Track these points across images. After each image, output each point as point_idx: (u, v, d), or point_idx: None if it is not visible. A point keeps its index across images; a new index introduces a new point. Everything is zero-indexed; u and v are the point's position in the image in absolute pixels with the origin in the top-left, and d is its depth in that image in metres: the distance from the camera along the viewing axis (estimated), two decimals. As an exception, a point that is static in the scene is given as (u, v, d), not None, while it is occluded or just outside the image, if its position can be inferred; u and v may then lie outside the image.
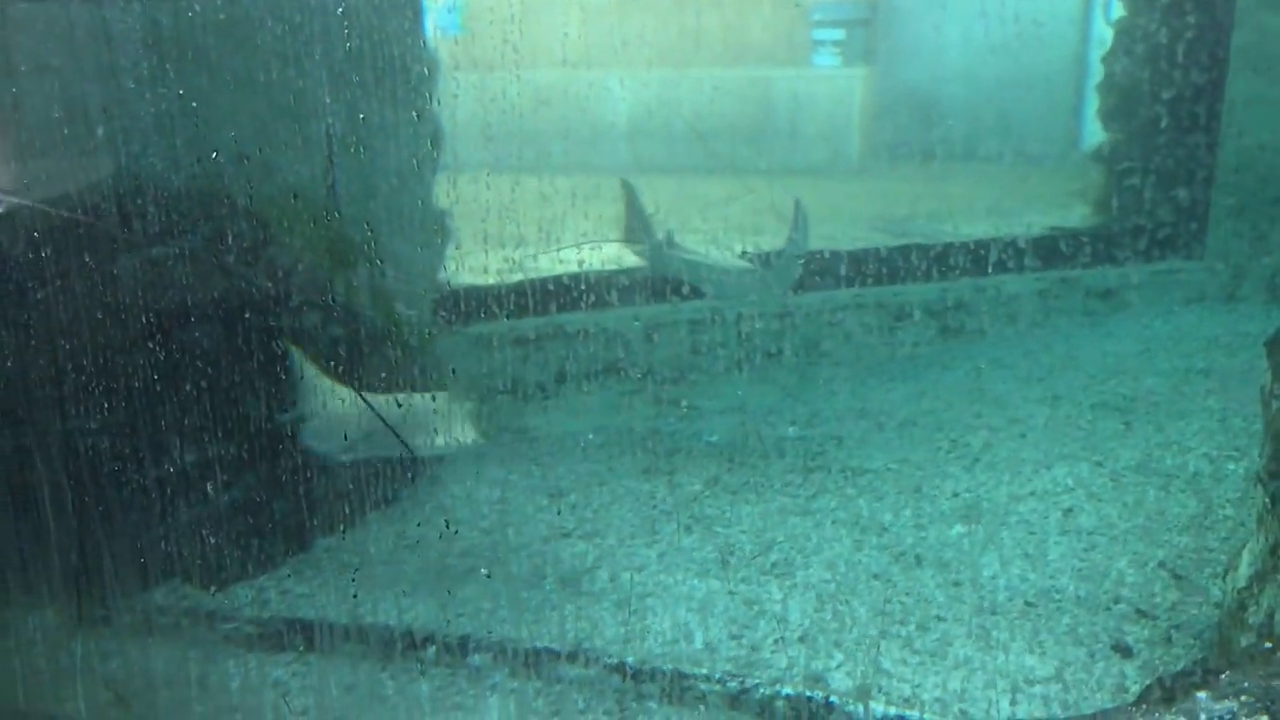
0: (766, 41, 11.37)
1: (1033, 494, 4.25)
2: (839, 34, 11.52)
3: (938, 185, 9.68)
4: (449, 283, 5.11)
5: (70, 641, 3.31)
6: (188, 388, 3.54)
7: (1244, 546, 3.25)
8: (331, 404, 3.71)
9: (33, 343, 3.22)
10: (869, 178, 10.58)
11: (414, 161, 4.92)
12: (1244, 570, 3.19)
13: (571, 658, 3.31)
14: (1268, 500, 3.05)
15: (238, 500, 3.78)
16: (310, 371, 3.73)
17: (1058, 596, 3.57)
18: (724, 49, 11.18)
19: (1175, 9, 6.46)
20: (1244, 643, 3.02)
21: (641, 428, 5.07)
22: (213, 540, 3.69)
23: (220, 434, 3.79)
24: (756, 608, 3.60)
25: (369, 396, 3.77)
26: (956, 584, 3.69)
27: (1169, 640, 3.34)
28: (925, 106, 11.02)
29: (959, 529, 4.04)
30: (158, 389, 3.44)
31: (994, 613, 3.52)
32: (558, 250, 5.55)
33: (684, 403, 5.32)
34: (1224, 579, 3.38)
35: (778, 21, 11.48)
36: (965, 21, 10.72)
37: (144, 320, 3.55)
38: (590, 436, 4.93)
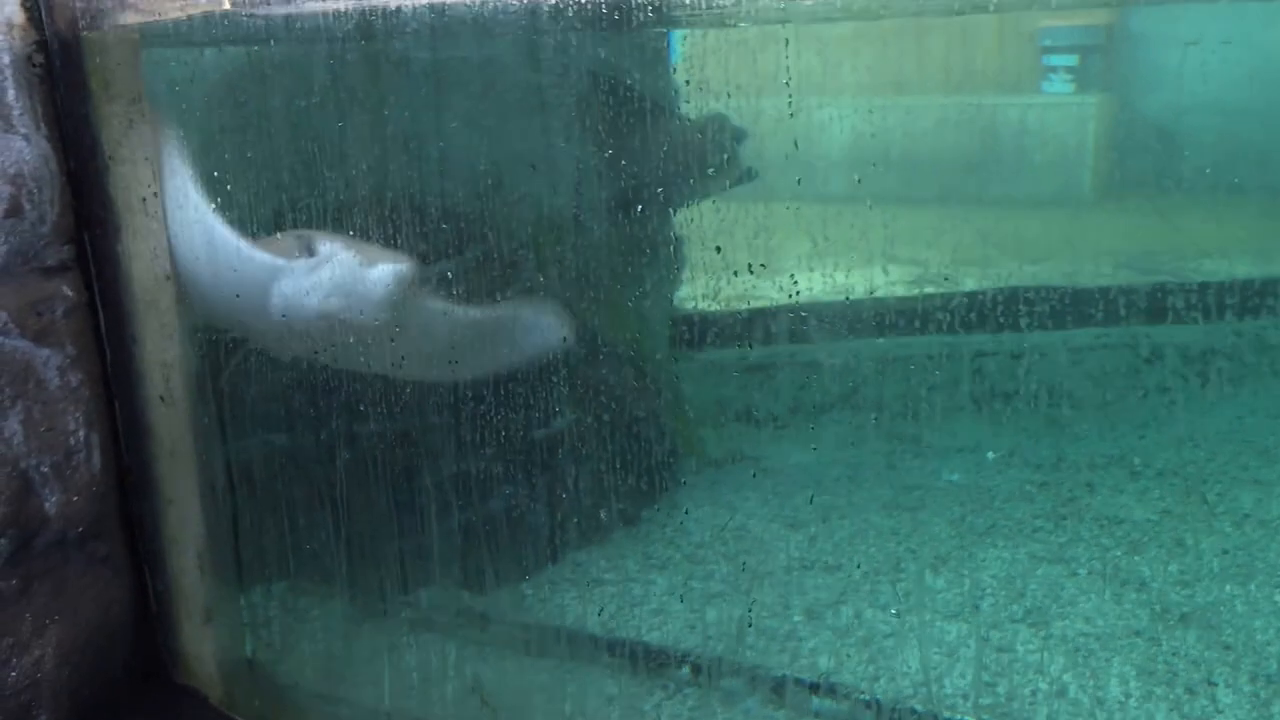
0: (993, 68, 11.07)
1: (1311, 557, 3.98)
2: (1072, 60, 11.08)
3: (1179, 219, 9.18)
4: (684, 308, 5.21)
5: (357, 631, 3.57)
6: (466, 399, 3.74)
7: None
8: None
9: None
10: (1104, 210, 10.12)
11: (656, 190, 5.05)
12: None
13: (822, 690, 3.31)
14: None
15: (498, 510, 3.97)
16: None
17: (1344, 669, 3.33)
18: (947, 76, 10.97)
19: None
20: None
21: (877, 462, 5.02)
22: (476, 546, 3.88)
23: (486, 446, 3.99)
24: (1009, 656, 3.51)
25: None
26: (1227, 648, 3.49)
27: None
28: (1165, 136, 10.49)
29: (1229, 589, 3.81)
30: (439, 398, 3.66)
31: (1271, 681, 3.31)
32: (791, 279, 5.57)
33: (918, 439, 5.23)
34: None
35: (1005, 47, 11.17)
36: (1208, 48, 10.16)
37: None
38: (828, 469, 4.92)
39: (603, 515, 4.25)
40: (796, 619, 3.74)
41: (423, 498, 3.75)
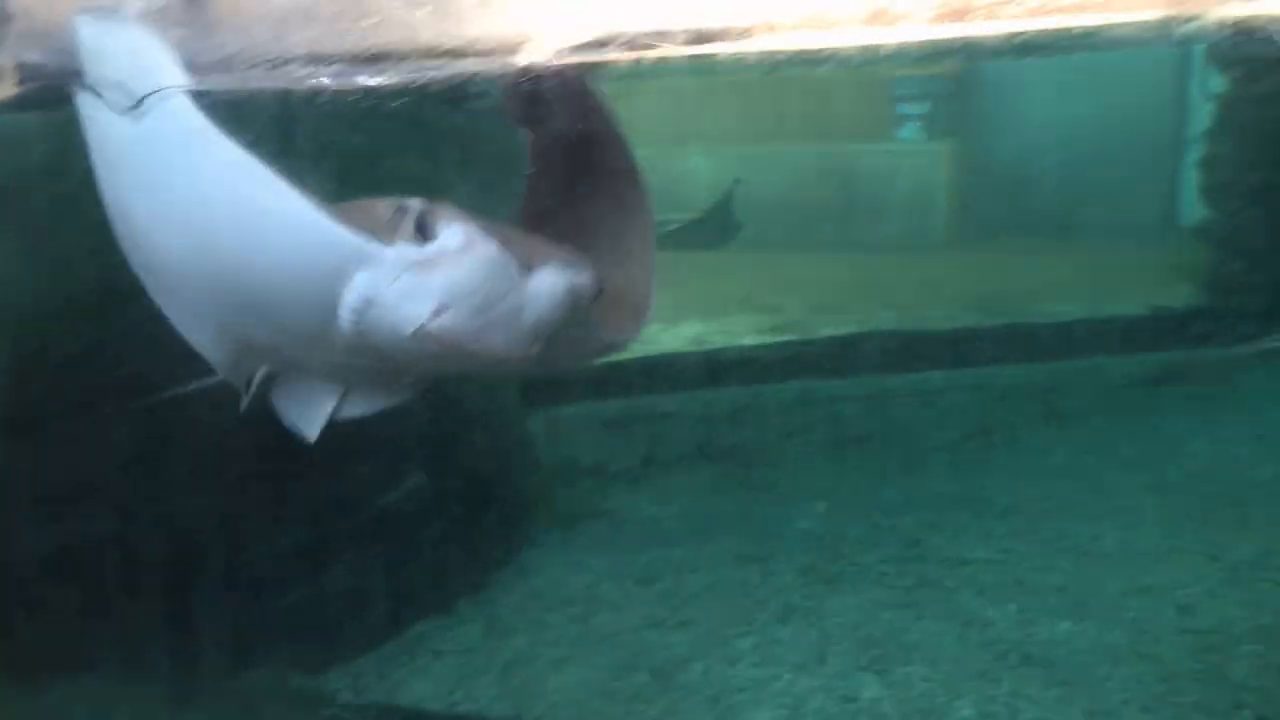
0: (849, 116, 11.41)
1: (1145, 590, 4.07)
2: (923, 108, 11.51)
3: (1029, 261, 9.52)
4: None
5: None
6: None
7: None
8: None
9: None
10: (956, 254, 10.45)
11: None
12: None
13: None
14: None
15: (334, 584, 3.80)
16: None
17: (1175, 701, 3.39)
18: (806, 124, 11.24)
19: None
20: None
21: (731, 512, 5.00)
22: (308, 623, 3.70)
23: (320, 514, 3.83)
24: (854, 705, 3.48)
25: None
26: (1065, 684, 3.53)
27: (1298, 752, 3.14)
28: (1014, 181, 10.92)
29: (1067, 625, 3.87)
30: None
31: (1109, 716, 3.35)
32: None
33: (773, 488, 5.23)
34: (1358, 688, 3.19)
35: (861, 96, 11.53)
36: (1054, 94, 10.64)
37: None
38: (681, 521, 4.88)
39: (447, 583, 4.12)
40: (643, 679, 3.66)
41: (247, 572, 3.56)
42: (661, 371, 5.72)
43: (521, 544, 4.56)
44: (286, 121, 2.97)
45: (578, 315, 1.93)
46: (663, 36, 2.26)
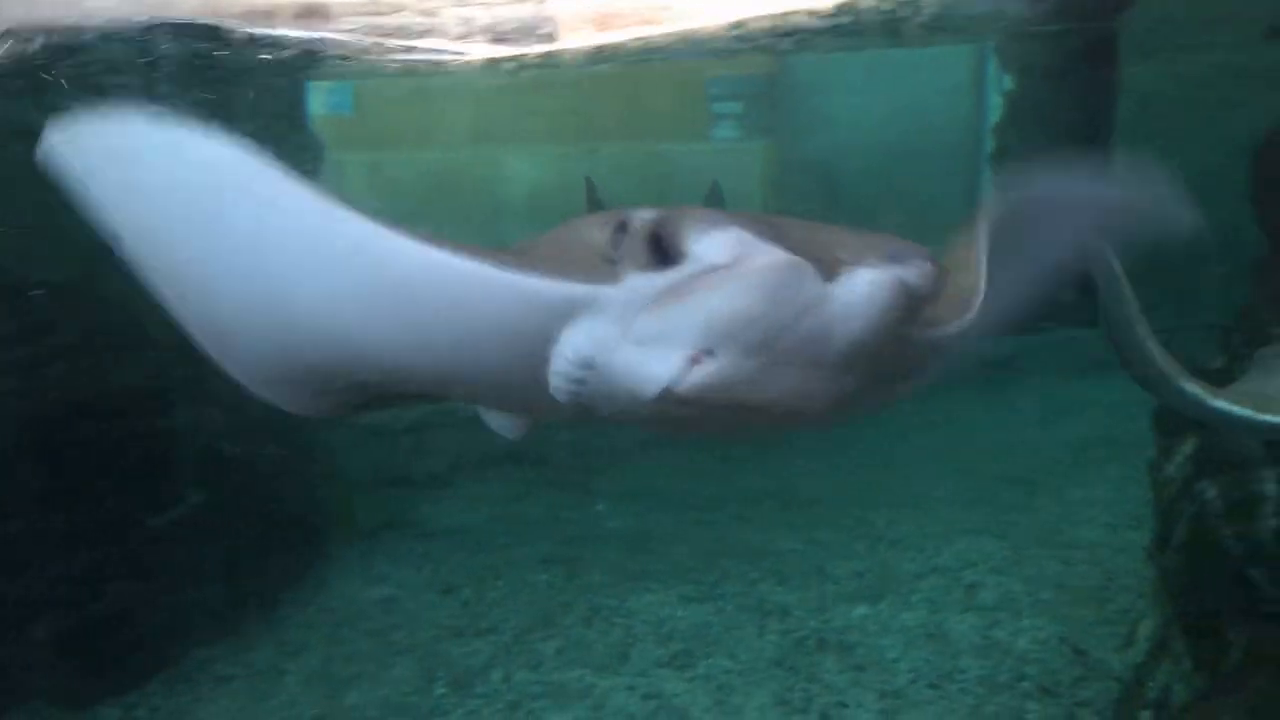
0: (666, 116, 11.48)
1: (935, 570, 4.21)
2: (737, 107, 11.69)
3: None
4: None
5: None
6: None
7: (1140, 620, 3.24)
8: None
9: None
10: (772, 250, 10.63)
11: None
12: (1141, 645, 3.17)
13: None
14: (1158, 576, 3.04)
15: (102, 610, 3.55)
16: None
17: (961, 677, 3.50)
18: (624, 124, 11.27)
19: (1060, 79, 6.63)
20: (1144, 719, 2.99)
21: (539, 516, 4.93)
22: (73, 654, 3.44)
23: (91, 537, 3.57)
24: (656, 701, 3.47)
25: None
26: (859, 668, 3.60)
27: (1072, 718, 3.29)
28: (827, 177, 11.21)
29: (862, 610, 3.96)
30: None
31: (898, 697, 3.43)
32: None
33: (585, 488, 5.19)
34: (1123, 653, 3.37)
35: (678, 95, 11.62)
36: (862, 94, 10.97)
37: None
38: (489, 527, 4.78)
39: (234, 603, 3.90)
40: (441, 691, 3.55)
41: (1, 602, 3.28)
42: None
43: (317, 559, 4.37)
44: None
45: (908, 325, 1.33)
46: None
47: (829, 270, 1.23)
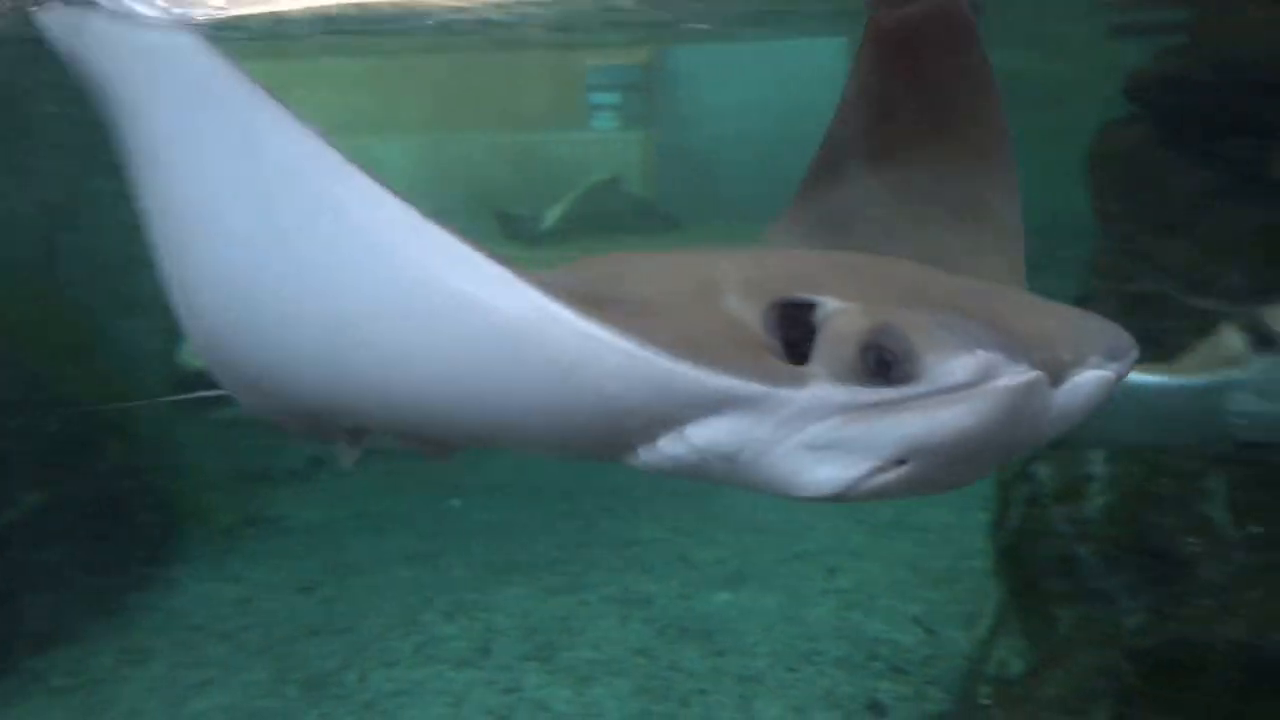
0: (545, 104, 11.42)
1: (797, 556, 4.28)
2: (615, 97, 11.69)
3: (720, 245, 9.83)
4: (190, 362, 4.76)
5: None
6: None
7: (985, 599, 3.34)
8: None
9: None
10: (648, 240, 10.67)
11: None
12: (985, 622, 3.27)
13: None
14: (997, 556, 3.14)
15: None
16: None
17: (817, 659, 3.57)
18: (500, 113, 11.15)
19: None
20: (984, 694, 3.09)
21: (404, 510, 4.84)
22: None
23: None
24: (516, 695, 3.44)
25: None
26: (720, 654, 3.64)
27: (922, 695, 3.38)
28: (705, 168, 11.30)
29: (724, 596, 4.00)
30: None
31: (757, 681, 3.48)
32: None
33: (450, 484, 5.11)
34: (969, 631, 3.47)
35: (555, 85, 11.56)
36: (737, 84, 11.09)
37: None
38: (349, 523, 4.67)
39: (73, 608, 3.73)
40: (293, 694, 3.45)
41: None
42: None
43: (168, 560, 4.21)
44: None
45: None
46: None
47: (1055, 374, 1.14)
